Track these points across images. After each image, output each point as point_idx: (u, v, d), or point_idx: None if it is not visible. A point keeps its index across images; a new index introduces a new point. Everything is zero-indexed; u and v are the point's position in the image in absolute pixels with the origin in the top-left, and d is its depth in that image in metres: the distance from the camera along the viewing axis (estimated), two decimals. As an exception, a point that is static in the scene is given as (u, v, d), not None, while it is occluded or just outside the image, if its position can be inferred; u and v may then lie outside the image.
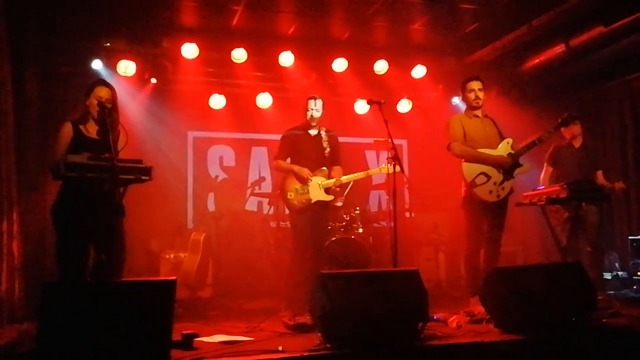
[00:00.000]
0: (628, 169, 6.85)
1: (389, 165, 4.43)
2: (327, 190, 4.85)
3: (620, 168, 6.88)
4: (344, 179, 4.89)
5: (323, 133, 4.97)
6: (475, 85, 4.67)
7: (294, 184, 4.82)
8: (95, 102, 3.76)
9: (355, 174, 4.99)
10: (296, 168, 4.83)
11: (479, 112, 4.75)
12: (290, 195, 4.80)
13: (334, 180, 4.85)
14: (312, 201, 4.78)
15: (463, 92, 4.77)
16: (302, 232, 4.77)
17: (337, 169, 4.95)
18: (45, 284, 2.85)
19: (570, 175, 5.18)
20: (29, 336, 3.64)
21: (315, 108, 4.86)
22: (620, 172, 6.71)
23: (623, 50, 5.70)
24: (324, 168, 4.88)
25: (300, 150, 4.91)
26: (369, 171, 5.08)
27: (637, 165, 6.80)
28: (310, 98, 4.92)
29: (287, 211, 5.07)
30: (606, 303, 4.47)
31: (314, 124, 4.90)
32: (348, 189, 5.98)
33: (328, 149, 4.90)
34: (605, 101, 7.30)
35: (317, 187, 4.81)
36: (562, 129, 5.07)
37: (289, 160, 4.98)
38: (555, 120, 5.02)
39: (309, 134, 4.95)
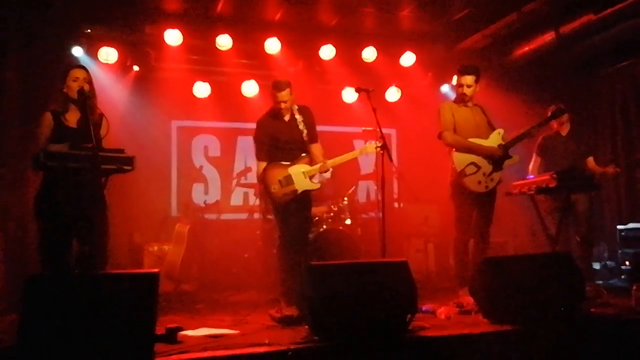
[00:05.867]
0: (618, 158, 6.86)
1: (375, 142, 4.30)
2: (312, 178, 4.65)
3: (611, 157, 6.89)
4: (329, 163, 4.69)
5: (296, 113, 4.66)
6: (465, 80, 4.59)
7: (277, 176, 4.56)
8: (73, 85, 3.67)
9: (340, 157, 4.66)
10: None
11: (468, 102, 4.71)
12: (274, 188, 4.53)
13: (318, 166, 4.59)
14: (298, 191, 4.57)
15: (456, 80, 4.71)
16: (289, 224, 4.57)
17: (316, 147, 4.67)
18: (27, 276, 2.80)
19: (560, 165, 5.16)
20: (10, 330, 3.55)
21: (283, 99, 4.51)
22: (611, 159, 6.70)
23: (613, 38, 5.73)
24: (304, 154, 4.62)
25: (278, 140, 4.61)
26: (355, 152, 4.71)
27: (626, 154, 6.82)
28: (276, 88, 4.52)
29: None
30: (595, 293, 4.51)
31: (285, 113, 4.61)
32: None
33: (305, 131, 4.63)
34: (595, 89, 7.32)
35: (301, 176, 4.57)
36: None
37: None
38: (545, 112, 5.00)
39: (282, 120, 4.65)
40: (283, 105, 4.56)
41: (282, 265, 4.55)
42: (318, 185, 4.67)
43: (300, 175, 4.58)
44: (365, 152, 4.70)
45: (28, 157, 3.93)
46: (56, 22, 5.63)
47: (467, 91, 4.61)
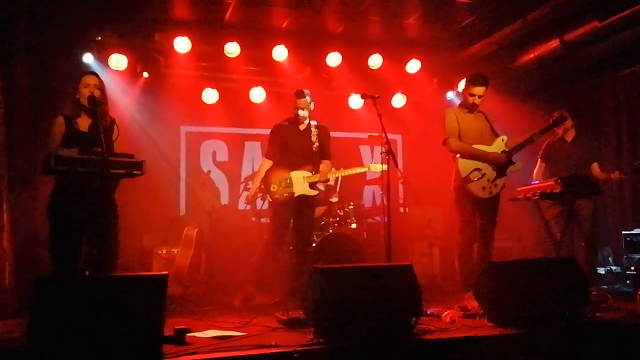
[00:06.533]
0: (622, 164, 6.85)
1: (381, 164, 4.41)
2: (312, 186, 4.82)
3: (615, 163, 6.88)
4: (330, 174, 4.87)
5: (313, 127, 4.92)
6: (477, 91, 4.62)
7: (278, 177, 4.81)
8: (84, 91, 3.74)
9: (342, 171, 4.95)
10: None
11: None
12: (274, 188, 4.79)
13: (318, 175, 4.82)
14: (295, 195, 4.77)
15: (466, 88, 4.72)
16: (282, 224, 4.80)
17: (326, 163, 4.93)
18: (37, 278, 2.83)
19: (564, 170, 5.20)
20: (20, 331, 3.60)
21: (301, 107, 4.81)
22: (615, 167, 6.70)
23: (617, 45, 5.71)
24: (309, 164, 4.85)
25: (288, 145, 4.88)
26: (357, 169, 5.02)
27: (631, 160, 6.80)
28: (297, 95, 4.85)
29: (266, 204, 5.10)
30: (599, 298, 4.48)
31: (302, 121, 4.88)
32: (339, 184, 5.98)
33: (317, 144, 4.87)
34: (599, 96, 7.31)
35: (301, 181, 4.79)
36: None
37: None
38: (548, 118, 5.02)
39: (297, 128, 4.92)
40: (300, 112, 4.79)
41: (265, 262, 4.77)
42: (315, 193, 4.87)
43: (301, 180, 4.80)
44: (368, 170, 5.03)
45: (39, 161, 4.01)
46: (67, 29, 5.70)
47: (478, 101, 4.66)
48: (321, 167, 4.90)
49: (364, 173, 7.54)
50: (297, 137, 4.89)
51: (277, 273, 5.07)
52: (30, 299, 2.76)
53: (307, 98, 4.84)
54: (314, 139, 4.87)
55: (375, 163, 4.99)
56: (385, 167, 4.26)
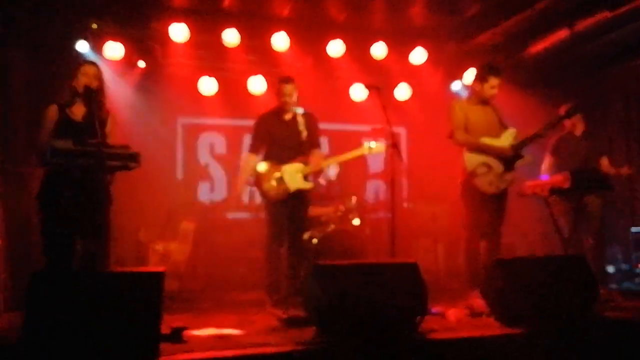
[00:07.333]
0: (632, 158, 6.77)
1: (369, 144, 4.26)
2: (306, 178, 4.65)
3: (625, 156, 6.80)
4: (323, 164, 4.71)
5: (299, 116, 4.70)
6: (496, 81, 4.51)
7: (269, 174, 4.59)
8: (83, 79, 3.70)
9: (336, 158, 4.78)
10: None
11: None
12: (266, 186, 4.57)
13: (311, 166, 4.64)
14: (291, 191, 4.56)
15: (481, 79, 4.55)
16: (278, 223, 4.59)
17: (316, 152, 4.71)
18: (33, 273, 2.81)
19: (573, 165, 5.11)
20: (14, 327, 3.53)
21: (289, 94, 4.58)
22: (625, 160, 6.62)
23: (628, 35, 5.65)
24: (300, 155, 4.64)
25: (275, 137, 4.65)
26: (353, 152, 4.73)
27: (641, 155, 6.73)
28: (282, 82, 4.62)
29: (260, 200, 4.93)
30: (608, 296, 4.45)
31: (288, 109, 4.66)
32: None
33: (305, 133, 4.64)
34: (609, 87, 7.22)
35: (294, 175, 4.57)
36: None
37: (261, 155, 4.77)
38: (555, 110, 4.92)
39: (282, 118, 4.68)
40: (288, 99, 4.57)
41: (267, 260, 4.61)
42: (310, 185, 4.69)
43: (293, 174, 4.59)
44: (365, 151, 4.70)
45: (34, 150, 3.95)
46: (62, 16, 5.61)
47: (496, 93, 4.54)
48: (312, 157, 4.69)
49: (367, 167, 7.48)
50: (283, 128, 4.67)
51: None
52: (24, 293, 2.72)
53: (293, 85, 4.60)
54: (301, 128, 4.64)
55: (366, 144, 4.67)
56: (382, 146, 4.13)
